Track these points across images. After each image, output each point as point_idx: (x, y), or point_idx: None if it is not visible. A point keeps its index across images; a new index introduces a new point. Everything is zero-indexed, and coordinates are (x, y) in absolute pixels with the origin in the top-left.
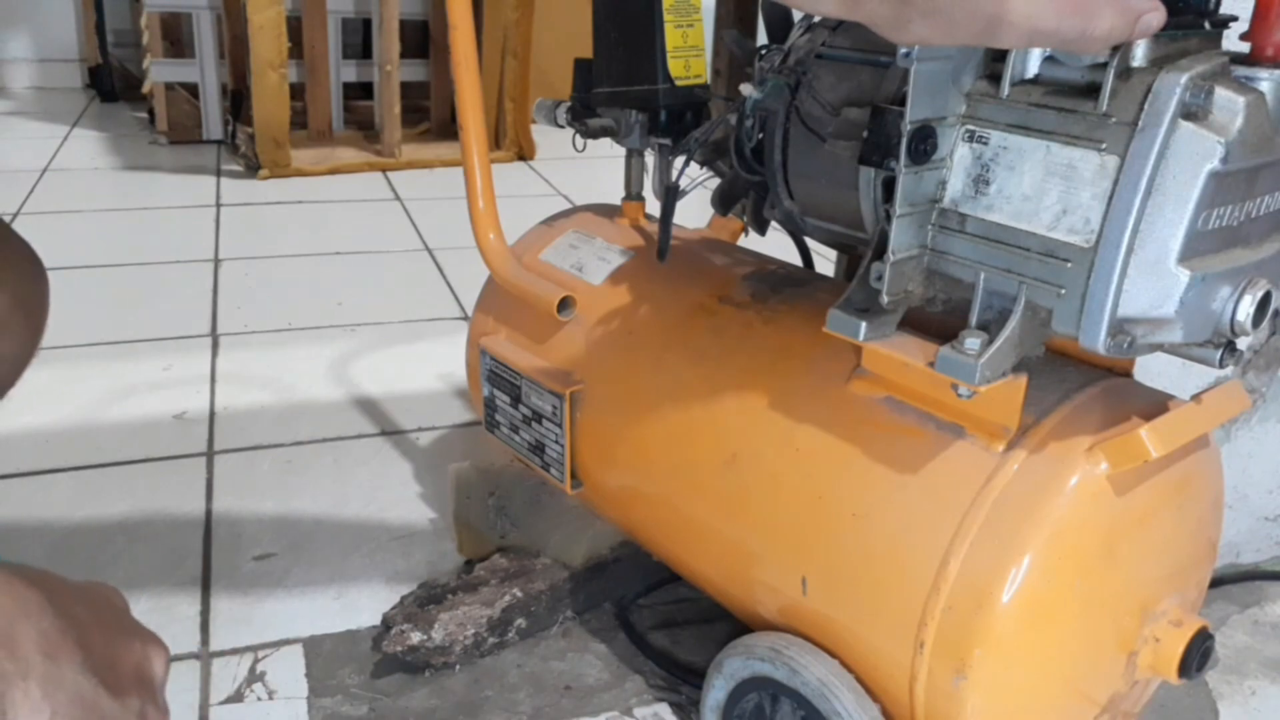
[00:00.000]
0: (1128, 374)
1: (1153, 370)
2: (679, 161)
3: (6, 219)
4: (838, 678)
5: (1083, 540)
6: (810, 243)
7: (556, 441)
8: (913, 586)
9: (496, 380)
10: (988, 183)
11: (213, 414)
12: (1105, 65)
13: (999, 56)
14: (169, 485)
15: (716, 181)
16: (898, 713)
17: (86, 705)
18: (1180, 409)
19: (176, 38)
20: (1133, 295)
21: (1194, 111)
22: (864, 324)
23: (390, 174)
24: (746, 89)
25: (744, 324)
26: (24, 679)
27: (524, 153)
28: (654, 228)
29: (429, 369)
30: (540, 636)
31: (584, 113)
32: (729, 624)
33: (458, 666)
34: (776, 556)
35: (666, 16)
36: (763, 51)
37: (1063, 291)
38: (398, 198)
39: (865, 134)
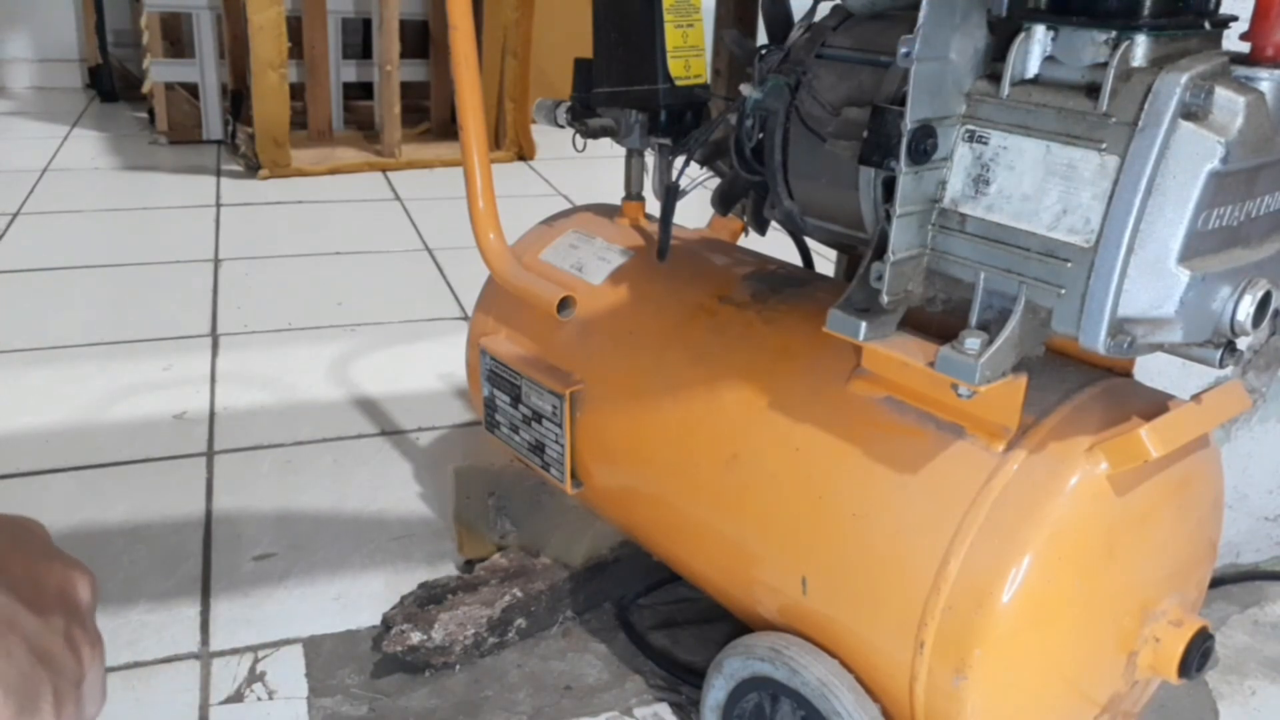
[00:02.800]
0: (1128, 374)
1: (1153, 370)
2: (679, 161)
3: (6, 219)
4: (838, 678)
5: (1083, 540)
6: (810, 243)
7: (556, 441)
8: (913, 586)
9: (496, 380)
10: (988, 182)
11: (213, 414)
12: (1105, 65)
13: (999, 56)
14: (169, 485)
15: (716, 181)
16: (898, 712)
17: (5, 620)
18: (1180, 409)
19: (176, 38)
20: (1133, 295)
21: (1194, 111)
22: (864, 324)
23: (390, 174)
24: (746, 89)
25: (744, 324)
26: None
27: (524, 153)
28: (654, 228)
29: (429, 369)
30: (540, 636)
31: (584, 113)
32: (729, 624)
33: (458, 666)
34: (776, 556)
35: (666, 16)
36: (763, 51)
37: (1063, 291)
38: (398, 198)
39: (865, 134)
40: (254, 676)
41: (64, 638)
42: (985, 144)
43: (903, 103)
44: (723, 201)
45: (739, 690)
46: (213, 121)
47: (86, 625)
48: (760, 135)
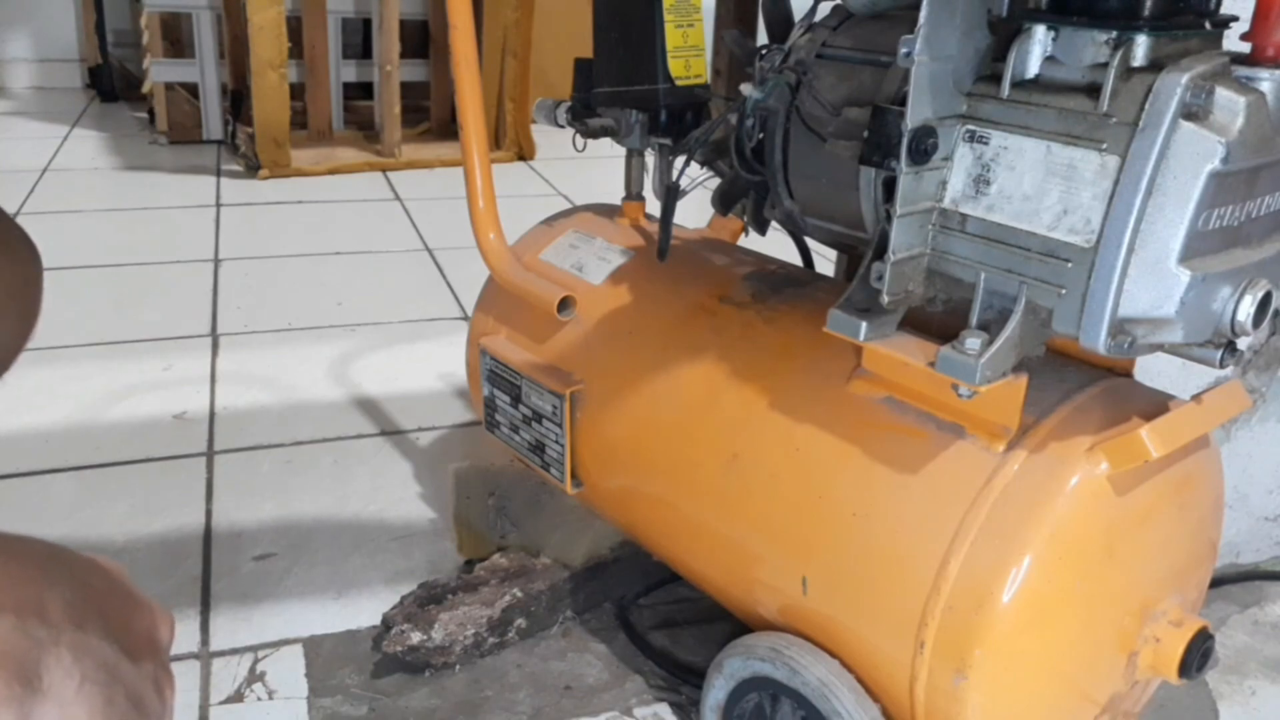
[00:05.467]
0: (1128, 374)
1: (1153, 370)
2: (679, 161)
3: None
4: (838, 678)
5: (1083, 540)
6: (810, 243)
7: (556, 441)
8: (913, 586)
9: (496, 380)
10: (988, 183)
11: (213, 414)
12: (1106, 65)
13: (999, 56)
14: (169, 485)
15: (716, 181)
16: (898, 713)
17: (110, 670)
18: (1180, 409)
19: (176, 38)
20: (1133, 295)
21: (1195, 111)
22: (864, 324)
23: (390, 174)
24: (747, 89)
25: (744, 324)
26: (56, 645)
27: (524, 153)
28: (654, 228)
29: (429, 369)
30: (540, 636)
31: (584, 113)
32: (729, 624)
33: (458, 666)
34: (777, 556)
35: (666, 16)
36: (763, 51)
37: (1063, 291)
38: (398, 198)
39: (866, 134)
40: (254, 676)
41: (152, 683)
42: (986, 144)
43: (903, 103)
44: (723, 201)
45: (739, 690)
46: (213, 121)
47: (167, 668)
48: (761, 135)
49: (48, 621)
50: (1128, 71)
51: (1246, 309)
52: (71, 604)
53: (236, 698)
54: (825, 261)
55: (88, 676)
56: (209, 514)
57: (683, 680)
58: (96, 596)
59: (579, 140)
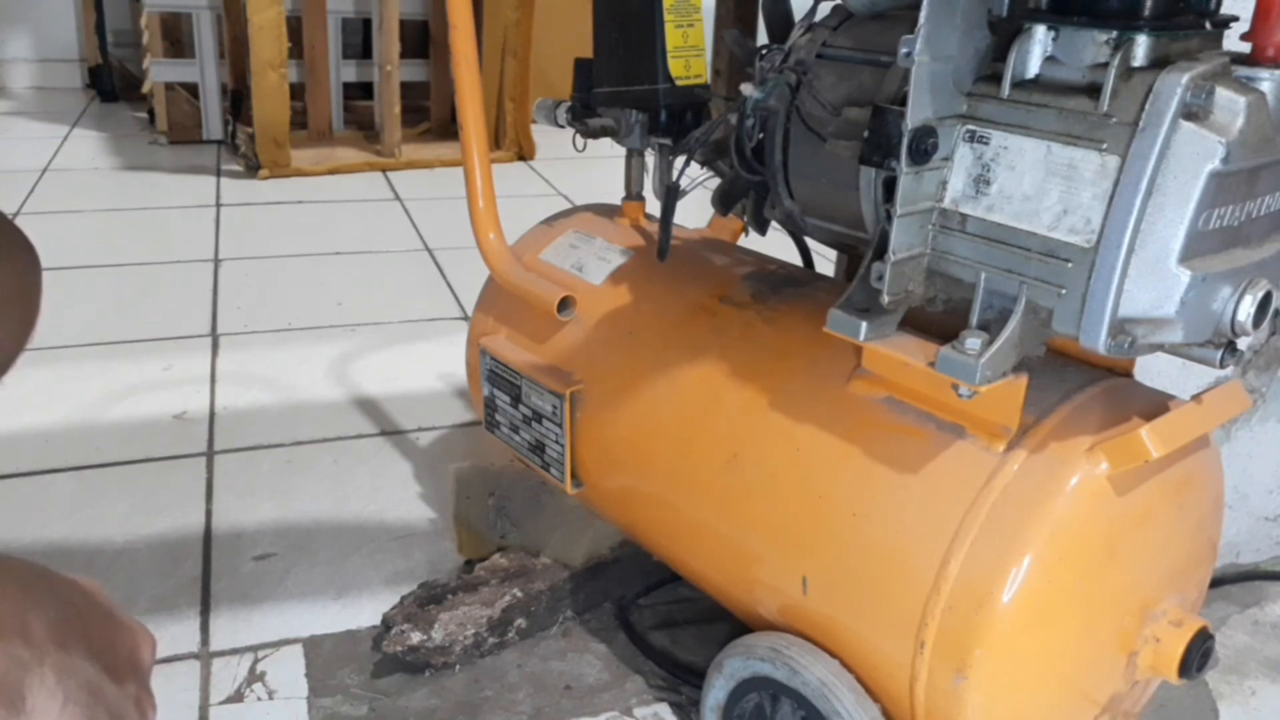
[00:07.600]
0: (1128, 374)
1: (1153, 370)
2: (679, 161)
3: None
4: (838, 678)
5: (1083, 540)
6: (810, 243)
7: (556, 441)
8: (913, 586)
9: (496, 380)
10: (988, 183)
11: (213, 414)
12: (1106, 65)
13: (1000, 56)
14: (169, 485)
15: (716, 181)
16: (898, 713)
17: (93, 691)
18: (1180, 409)
19: (176, 38)
20: (1133, 295)
21: (1195, 111)
22: (864, 324)
23: (390, 174)
24: (747, 89)
25: (744, 324)
26: (39, 666)
27: (524, 153)
28: (654, 228)
29: (429, 369)
30: (540, 636)
31: (584, 113)
32: (729, 624)
33: (458, 666)
34: (777, 556)
35: (667, 16)
36: (763, 51)
37: (1063, 291)
38: (398, 198)
39: (866, 134)
40: (254, 676)
41: (134, 703)
42: (986, 144)
43: (903, 103)
44: (723, 201)
45: (739, 690)
46: (213, 121)
47: (149, 688)
48: (761, 135)
49: (31, 642)
50: (1128, 71)
51: (1246, 309)
52: (55, 624)
53: (236, 698)
54: (825, 261)
55: (70, 697)
56: (209, 514)
57: (683, 680)
58: (79, 617)
59: (579, 140)
